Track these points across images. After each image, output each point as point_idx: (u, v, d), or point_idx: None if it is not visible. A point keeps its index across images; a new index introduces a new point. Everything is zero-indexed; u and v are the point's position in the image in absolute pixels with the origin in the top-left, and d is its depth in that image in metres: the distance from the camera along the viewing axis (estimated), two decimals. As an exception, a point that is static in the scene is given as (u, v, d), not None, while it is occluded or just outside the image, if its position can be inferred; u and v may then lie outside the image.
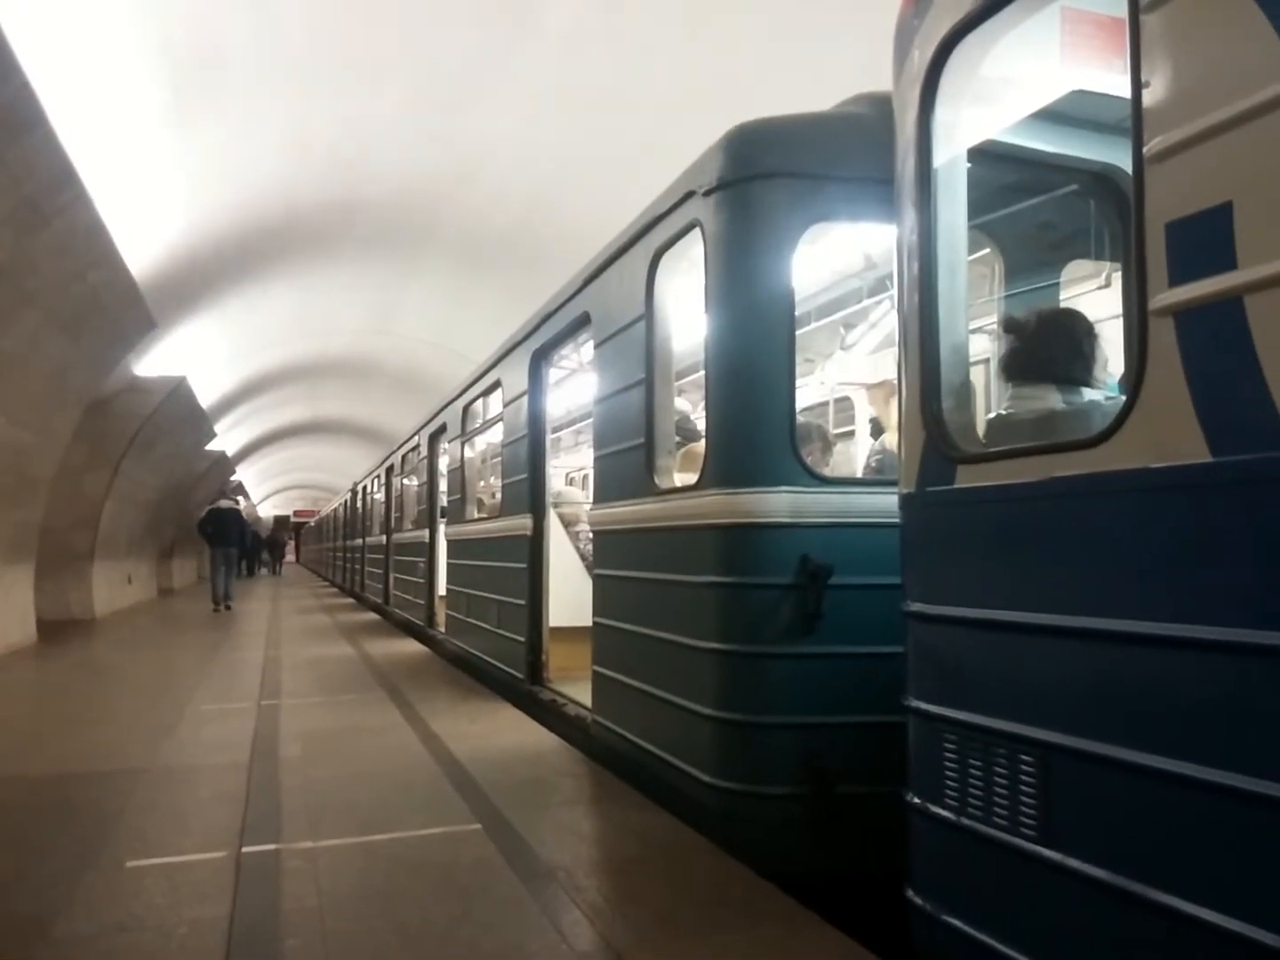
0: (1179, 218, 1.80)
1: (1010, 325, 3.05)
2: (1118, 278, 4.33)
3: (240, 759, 5.26)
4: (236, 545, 17.45)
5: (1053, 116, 3.39)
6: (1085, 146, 3.60)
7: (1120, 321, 3.34)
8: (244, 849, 3.71)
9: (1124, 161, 2.89)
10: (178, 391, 15.43)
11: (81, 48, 7.22)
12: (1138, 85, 1.89)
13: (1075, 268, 4.59)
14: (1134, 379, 1.90)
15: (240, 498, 26.67)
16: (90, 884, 3.37)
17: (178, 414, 16.69)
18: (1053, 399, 2.78)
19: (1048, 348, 2.88)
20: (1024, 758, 2.16)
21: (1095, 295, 4.56)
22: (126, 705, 7.54)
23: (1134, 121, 1.90)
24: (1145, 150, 1.87)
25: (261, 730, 6.06)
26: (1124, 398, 1.96)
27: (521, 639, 6.85)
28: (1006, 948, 2.19)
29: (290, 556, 49.81)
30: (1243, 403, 1.67)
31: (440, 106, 9.49)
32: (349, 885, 3.33)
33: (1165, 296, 1.82)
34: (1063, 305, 4.09)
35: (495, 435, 8.84)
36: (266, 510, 53.14)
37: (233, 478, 30.96)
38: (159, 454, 17.64)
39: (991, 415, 3.08)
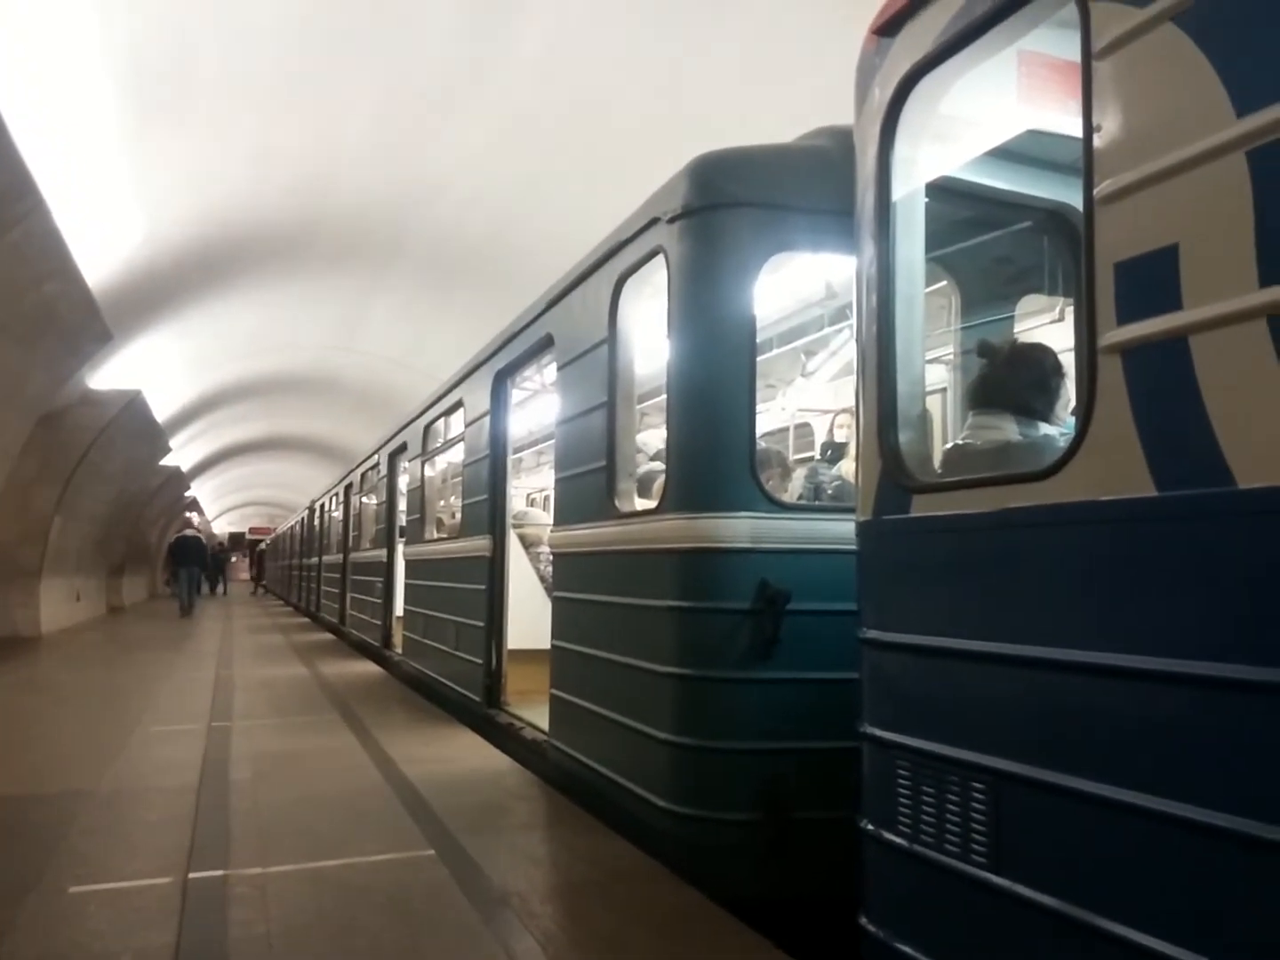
0: (1128, 258, 1.85)
1: (984, 350, 3.09)
2: (1071, 312, 4.43)
3: (189, 781, 5.15)
4: (198, 565, 22.37)
5: (1008, 155, 3.47)
6: (1040, 185, 3.69)
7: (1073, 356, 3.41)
8: (191, 874, 3.63)
9: (1076, 200, 2.97)
10: (132, 405, 15.19)
11: (45, 59, 7.14)
12: (1089, 128, 1.95)
13: (1029, 302, 4.68)
14: (1084, 414, 1.95)
15: (193, 514, 26.88)
16: (31, 909, 3.29)
17: (132, 428, 16.43)
18: (1009, 429, 2.83)
19: (1015, 378, 2.93)
20: (975, 785, 2.19)
21: (1049, 329, 4.66)
22: (72, 726, 7.35)
23: (1085, 164, 1.96)
24: (1096, 192, 1.92)
25: (211, 753, 5.94)
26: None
27: (479, 661, 6.79)
28: (957, 974, 2.21)
29: (244, 575, 48.38)
30: (1187, 439, 1.71)
31: (408, 123, 9.49)
32: (299, 913, 3.27)
33: (1114, 334, 1.87)
34: (1036, 341, 4.17)
35: (456, 455, 8.79)
36: (221, 527, 52.24)
37: (187, 493, 30.49)
38: (112, 469, 17.34)
39: (948, 445, 3.12)
